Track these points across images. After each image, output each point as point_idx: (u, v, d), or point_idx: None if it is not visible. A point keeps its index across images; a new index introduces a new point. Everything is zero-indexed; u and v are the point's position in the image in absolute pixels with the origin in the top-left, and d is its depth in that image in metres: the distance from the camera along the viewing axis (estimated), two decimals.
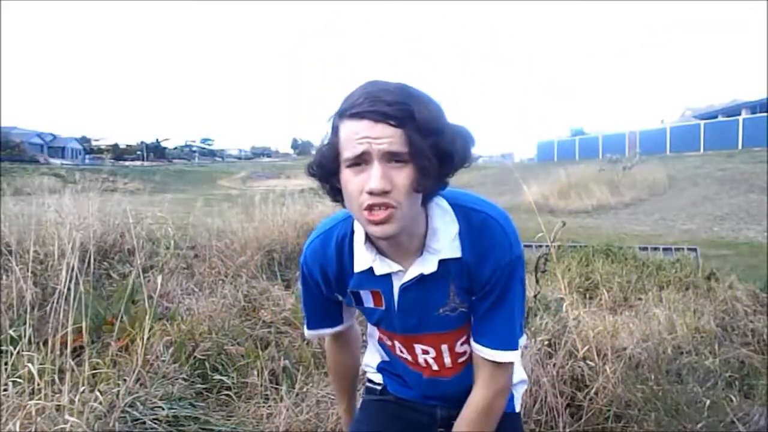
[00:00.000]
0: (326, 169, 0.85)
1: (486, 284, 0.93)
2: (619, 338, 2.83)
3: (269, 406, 2.30)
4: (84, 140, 60.01)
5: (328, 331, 1.13)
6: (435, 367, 1.05)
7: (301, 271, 1.05)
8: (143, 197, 8.10)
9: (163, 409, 2.08)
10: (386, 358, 1.15)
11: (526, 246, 5.78)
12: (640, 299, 3.93)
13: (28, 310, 2.15)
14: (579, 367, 2.36)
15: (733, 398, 2.40)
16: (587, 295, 4.01)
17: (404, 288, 0.94)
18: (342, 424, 1.30)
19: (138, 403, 2.05)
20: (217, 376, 2.49)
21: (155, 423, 2.01)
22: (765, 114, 21.78)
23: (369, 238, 0.92)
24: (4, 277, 2.98)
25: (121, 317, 2.66)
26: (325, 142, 0.85)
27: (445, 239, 0.91)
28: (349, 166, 0.81)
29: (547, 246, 2.68)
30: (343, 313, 1.11)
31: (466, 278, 0.94)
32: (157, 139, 61.74)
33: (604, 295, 3.79)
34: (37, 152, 40.08)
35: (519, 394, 1.15)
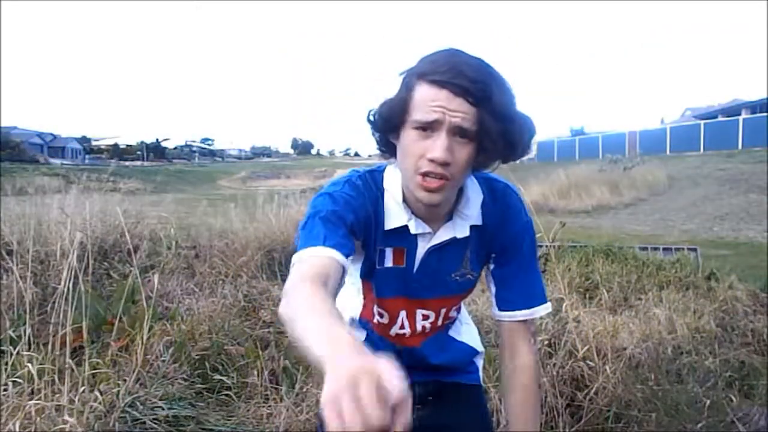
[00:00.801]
0: (390, 123, 0.86)
1: (508, 249, 0.99)
2: (619, 338, 2.82)
3: (269, 406, 2.30)
4: (84, 140, 60.02)
5: (339, 257, 0.82)
6: (428, 331, 1.08)
7: (329, 196, 0.89)
8: (143, 197, 8.11)
9: (163, 409, 2.08)
10: (364, 338, 1.12)
11: None
12: (640, 299, 3.93)
13: (28, 310, 2.15)
14: (579, 367, 2.36)
15: (733, 398, 2.40)
16: (587, 295, 4.01)
17: (430, 250, 0.97)
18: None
19: (138, 403, 2.05)
20: (217, 376, 2.49)
21: (155, 423, 2.01)
22: (765, 114, 21.77)
23: (405, 199, 0.94)
24: (4, 277, 2.99)
25: (121, 317, 2.66)
26: (392, 96, 0.86)
27: (475, 207, 0.96)
28: (416, 128, 0.82)
29: (546, 246, 2.68)
30: (351, 245, 0.87)
31: (484, 245, 0.99)
32: (157, 139, 61.69)
33: (603, 295, 3.78)
34: (37, 152, 40.04)
35: (480, 364, 1.19)
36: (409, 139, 0.84)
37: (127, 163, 42.75)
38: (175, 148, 67.50)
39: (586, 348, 2.41)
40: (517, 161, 0.92)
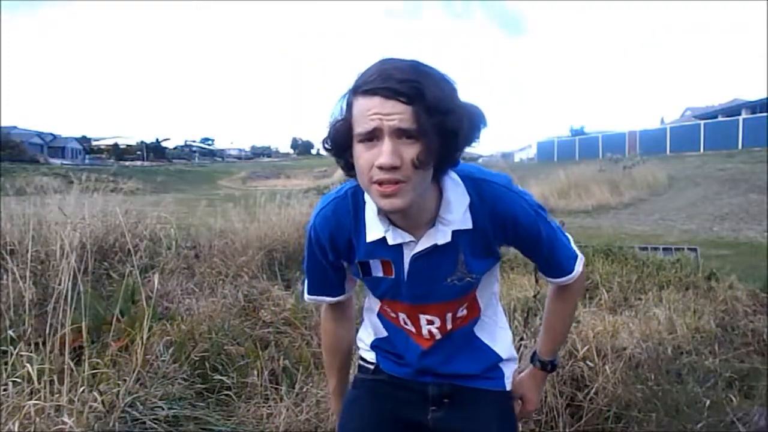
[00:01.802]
0: (339, 144, 0.87)
1: (526, 239, 1.01)
2: (619, 338, 2.82)
3: (269, 406, 2.30)
4: (84, 140, 60.00)
5: (327, 300, 1.14)
6: (438, 336, 1.08)
7: (308, 236, 1.05)
8: (143, 197, 8.11)
9: (163, 409, 2.08)
10: (382, 335, 1.16)
11: None
12: (640, 299, 3.93)
13: (28, 311, 2.15)
14: (579, 367, 2.36)
15: (733, 398, 2.40)
16: (587, 295, 4.00)
17: (415, 258, 0.97)
18: (331, 403, 1.31)
19: (138, 403, 2.05)
20: (217, 376, 2.49)
21: (155, 423, 2.01)
22: (765, 114, 21.76)
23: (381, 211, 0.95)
24: (3, 277, 2.98)
25: (121, 317, 2.66)
26: (339, 117, 0.87)
27: (458, 211, 0.95)
28: (360, 141, 0.83)
29: None
30: (345, 284, 1.13)
31: (482, 246, 0.99)
32: (157, 139, 61.68)
33: (603, 295, 3.78)
34: (37, 152, 40.01)
35: (509, 371, 1.17)
36: (357, 153, 0.84)
37: (127, 163, 42.75)
38: (175, 148, 67.41)
39: (586, 348, 2.41)
40: (460, 151, 0.88)
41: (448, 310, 1.05)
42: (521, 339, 2.42)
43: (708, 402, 2.27)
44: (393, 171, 0.81)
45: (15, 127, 44.81)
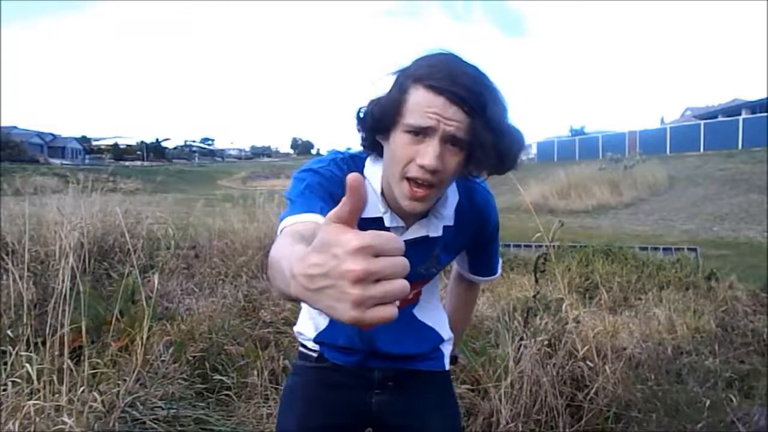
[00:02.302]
0: (381, 123, 0.84)
1: (483, 243, 1.10)
2: (619, 338, 2.83)
3: (269, 406, 2.30)
4: (84, 140, 59.99)
5: (315, 217, 0.83)
6: None
7: (313, 172, 0.91)
8: (143, 197, 8.10)
9: (163, 409, 2.08)
10: (321, 328, 1.11)
11: (525, 246, 5.80)
12: (640, 299, 3.93)
13: (27, 311, 2.15)
14: (579, 367, 2.36)
15: (733, 398, 2.40)
16: (587, 295, 4.01)
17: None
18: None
19: (138, 403, 2.05)
20: (217, 376, 2.49)
21: (155, 423, 2.01)
22: (765, 114, 21.76)
23: (383, 192, 0.93)
24: (3, 277, 2.98)
25: (121, 317, 2.66)
26: (383, 96, 0.84)
27: (451, 207, 0.97)
28: (407, 132, 0.81)
29: (546, 246, 2.68)
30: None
31: (455, 244, 1.03)
32: (157, 139, 61.71)
33: (603, 295, 3.79)
34: (37, 152, 40.03)
35: (448, 351, 1.19)
36: (399, 142, 0.82)
37: (127, 163, 42.76)
38: (175, 148, 67.43)
39: (586, 348, 2.41)
40: (500, 174, 0.88)
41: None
42: (521, 339, 2.42)
43: (708, 402, 2.27)
44: (432, 174, 0.81)
45: (15, 127, 44.81)
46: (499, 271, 1.22)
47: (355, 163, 0.96)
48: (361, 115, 0.88)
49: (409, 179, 0.83)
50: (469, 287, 1.26)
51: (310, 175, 0.91)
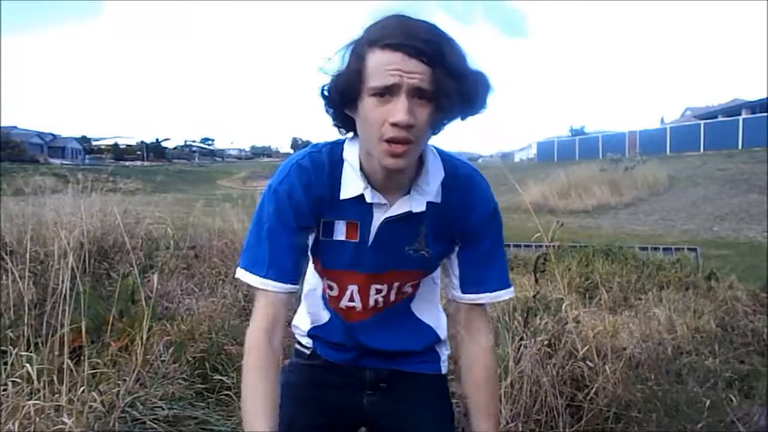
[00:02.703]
0: (346, 94, 0.84)
1: (473, 233, 0.99)
2: (619, 338, 2.83)
3: None
4: (84, 140, 59.98)
5: (281, 287, 0.92)
6: (380, 305, 1.05)
7: (275, 195, 0.93)
8: (143, 197, 8.10)
9: (163, 409, 2.08)
10: (320, 322, 1.12)
11: (525, 246, 5.80)
12: (640, 299, 3.93)
13: (26, 311, 2.15)
14: (579, 367, 2.35)
15: (733, 398, 2.40)
16: (587, 295, 4.01)
17: (386, 221, 0.95)
18: None
19: (138, 403, 2.05)
20: (217, 376, 2.49)
21: (155, 423, 2.01)
22: (765, 114, 21.76)
23: (361, 167, 0.93)
24: (3, 277, 2.98)
25: (121, 317, 2.66)
26: (342, 69, 0.84)
27: (434, 183, 0.94)
28: (373, 95, 0.81)
29: (546, 246, 2.68)
30: (299, 268, 0.97)
31: (443, 226, 0.98)
32: (157, 139, 61.63)
33: (603, 295, 3.79)
34: (37, 152, 40.02)
35: (444, 356, 1.16)
36: (368, 107, 0.82)
37: (127, 163, 42.76)
38: (175, 148, 67.33)
39: (586, 348, 2.40)
40: (471, 117, 0.88)
41: (397, 280, 1.03)
42: (521, 339, 2.42)
43: (708, 402, 2.27)
44: (407, 130, 0.81)
45: (15, 127, 44.79)
46: (507, 290, 1.03)
47: (332, 150, 0.96)
48: (326, 92, 0.88)
49: (386, 140, 0.82)
50: (475, 325, 1.04)
51: (269, 208, 0.93)
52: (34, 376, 1.83)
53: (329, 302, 1.08)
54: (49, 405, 1.76)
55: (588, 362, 2.36)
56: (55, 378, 1.88)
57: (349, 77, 0.83)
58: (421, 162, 0.93)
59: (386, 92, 0.80)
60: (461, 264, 1.02)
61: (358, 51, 0.83)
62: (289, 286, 0.94)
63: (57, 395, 1.83)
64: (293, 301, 1.01)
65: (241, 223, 5.13)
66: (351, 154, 0.94)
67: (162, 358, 2.44)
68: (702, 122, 25.10)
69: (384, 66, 0.80)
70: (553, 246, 2.76)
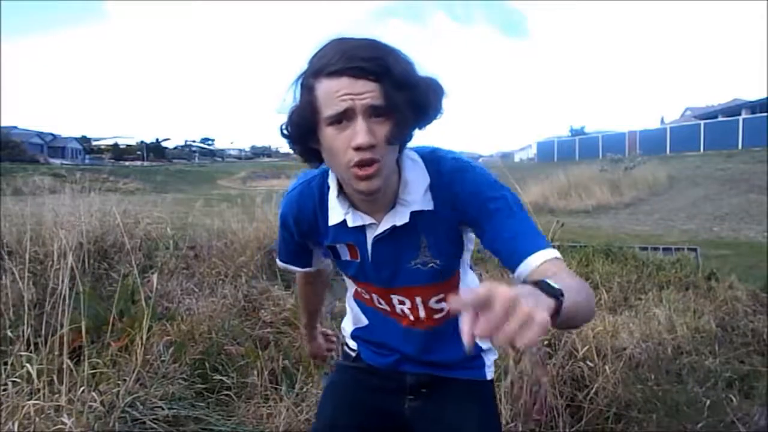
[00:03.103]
0: (304, 128, 0.85)
1: (482, 217, 0.90)
2: (619, 338, 2.82)
3: (269, 406, 2.30)
4: (84, 140, 59.95)
5: (295, 269, 1.18)
6: (411, 318, 1.06)
7: (279, 215, 1.08)
8: (143, 197, 8.10)
9: (163, 409, 2.08)
10: (361, 324, 1.16)
11: None
12: (640, 299, 3.93)
13: (26, 311, 2.15)
14: (579, 367, 2.36)
15: (733, 398, 2.40)
16: None
17: (377, 240, 0.96)
18: (302, 337, 1.50)
19: (138, 403, 2.05)
20: (217, 376, 2.49)
21: (155, 423, 2.01)
22: (765, 114, 21.77)
23: (342, 192, 0.94)
24: (2, 277, 2.98)
25: (121, 317, 2.66)
26: (296, 103, 0.85)
27: (417, 191, 0.93)
28: (330, 124, 0.82)
29: None
30: (312, 259, 1.15)
31: (445, 230, 0.96)
32: (157, 139, 61.59)
33: (603, 295, 3.78)
34: (37, 152, 39.98)
35: (490, 361, 1.15)
36: (328, 137, 0.83)
37: (127, 163, 42.74)
38: (175, 148, 67.28)
39: (586, 348, 2.41)
40: (429, 124, 0.87)
41: (416, 295, 1.03)
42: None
43: (708, 402, 2.27)
44: (371, 150, 0.80)
45: (15, 127, 44.75)
46: (546, 248, 0.86)
47: (321, 178, 0.99)
48: (285, 131, 0.88)
49: (354, 166, 0.82)
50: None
51: (279, 224, 1.09)
52: (34, 376, 1.83)
53: (365, 302, 1.13)
54: (49, 405, 1.76)
55: (588, 362, 2.36)
56: (55, 378, 1.88)
57: (303, 112, 0.83)
58: (400, 174, 0.93)
59: (342, 118, 0.80)
60: (495, 248, 0.91)
61: (306, 83, 0.83)
62: (301, 270, 1.18)
63: (57, 395, 1.83)
64: (317, 271, 1.21)
65: (240, 223, 5.13)
66: (333, 180, 0.95)
67: (162, 358, 2.44)
68: (702, 122, 25.11)
69: (333, 93, 0.80)
70: (553, 246, 2.75)
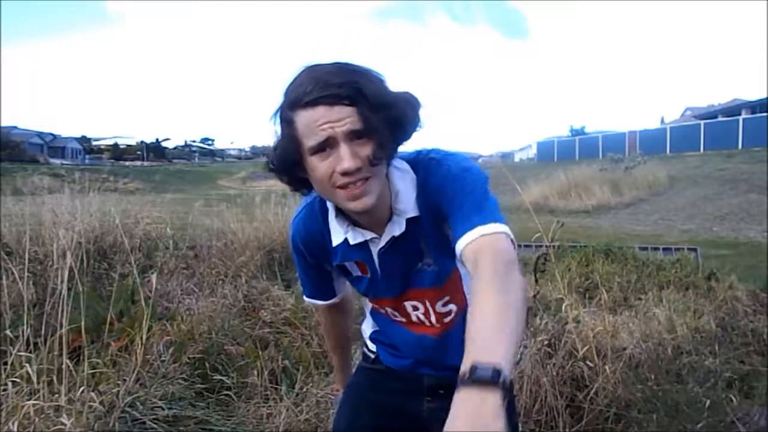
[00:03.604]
0: (289, 161, 0.86)
1: (446, 202, 0.89)
2: (619, 338, 2.83)
3: (269, 406, 2.30)
4: (84, 140, 59.93)
5: (320, 303, 1.19)
6: (427, 323, 1.09)
7: (290, 241, 1.09)
8: (143, 197, 8.10)
9: (163, 409, 2.08)
10: (378, 328, 1.19)
11: (525, 246, 5.79)
12: (640, 299, 3.93)
13: (26, 311, 2.15)
14: (579, 367, 2.35)
15: (733, 398, 2.40)
16: (587, 295, 4.00)
17: (382, 252, 0.98)
18: (334, 378, 1.44)
19: (138, 403, 2.05)
20: (217, 376, 2.49)
21: (155, 423, 2.01)
22: (765, 114, 21.76)
23: (340, 212, 0.96)
24: (2, 277, 2.98)
25: (121, 317, 2.66)
26: (278, 137, 0.86)
27: (408, 200, 0.94)
28: (314, 153, 0.83)
29: (546, 246, 2.68)
30: (335, 284, 1.16)
31: (433, 230, 0.96)
32: (157, 139, 61.56)
33: (603, 295, 3.78)
34: (37, 152, 39.98)
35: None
36: (314, 166, 0.84)
37: (127, 163, 42.74)
38: (175, 148, 67.24)
39: (586, 348, 2.40)
40: (410, 138, 0.89)
41: (425, 298, 1.05)
42: (521, 339, 2.42)
43: (708, 402, 2.27)
44: (357, 173, 0.82)
45: (15, 127, 44.75)
46: (500, 223, 0.83)
47: (321, 200, 1.00)
48: (272, 165, 0.90)
49: (340, 187, 0.84)
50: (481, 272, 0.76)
51: (293, 251, 1.11)
52: (34, 377, 1.83)
53: (382, 314, 1.14)
54: (49, 405, 1.76)
55: (588, 362, 2.36)
56: (54, 378, 1.88)
57: (286, 145, 0.85)
58: (390, 185, 0.94)
59: (324, 146, 0.82)
60: (452, 219, 0.88)
61: (285, 116, 0.84)
62: (325, 302, 1.18)
63: (56, 395, 1.83)
64: (342, 299, 1.21)
65: (239, 223, 5.13)
66: (330, 202, 0.97)
67: (162, 358, 2.44)
68: (702, 122, 25.09)
69: (312, 124, 0.81)
70: (553, 246, 2.76)
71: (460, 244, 0.83)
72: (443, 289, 1.04)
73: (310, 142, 0.82)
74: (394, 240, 0.96)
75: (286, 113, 0.84)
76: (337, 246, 1.00)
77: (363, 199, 0.84)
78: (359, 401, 1.18)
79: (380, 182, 0.88)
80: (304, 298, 1.20)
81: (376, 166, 0.85)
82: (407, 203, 0.94)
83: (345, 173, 0.81)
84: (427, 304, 1.06)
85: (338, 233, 0.98)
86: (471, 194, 0.87)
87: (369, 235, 0.96)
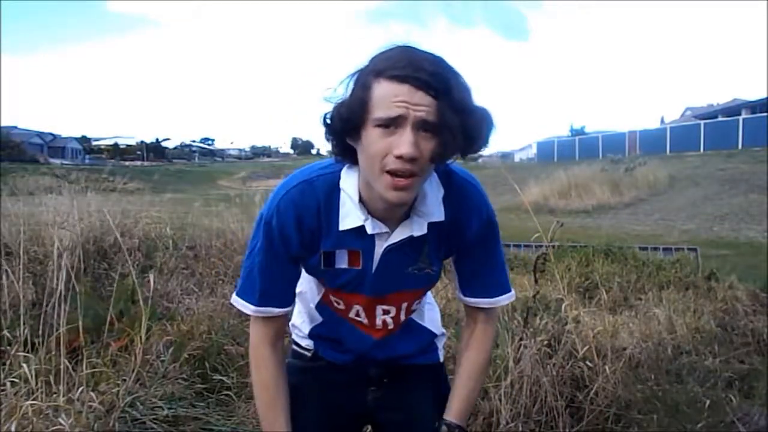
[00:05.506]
0: (350, 123, 0.83)
1: (470, 244, 1.00)
2: (619, 338, 2.83)
3: None
4: (84, 140, 59.94)
5: (276, 311, 1.01)
6: (390, 326, 1.07)
7: (266, 226, 0.95)
8: (143, 197, 8.09)
9: (163, 409, 2.08)
10: (317, 321, 1.13)
11: (525, 246, 5.80)
12: (640, 299, 3.93)
13: (24, 312, 2.14)
14: (579, 367, 2.35)
15: (733, 398, 2.40)
16: (587, 295, 4.01)
17: (388, 249, 0.95)
18: None
19: (138, 403, 2.05)
20: (217, 376, 2.48)
21: (155, 423, 2.01)
22: (765, 114, 21.75)
23: (361, 199, 0.92)
24: (1, 277, 2.98)
25: (121, 317, 2.66)
26: (347, 97, 0.83)
27: (433, 203, 0.94)
28: (378, 126, 0.80)
29: (545, 246, 2.68)
30: (293, 290, 1.04)
31: (443, 240, 0.98)
32: (157, 139, 61.62)
33: (603, 295, 3.78)
34: (37, 152, 39.97)
35: (441, 344, 1.21)
36: (372, 138, 0.81)
37: (127, 163, 42.69)
38: (175, 148, 67.21)
39: (586, 348, 2.40)
40: (476, 155, 0.89)
41: (404, 300, 1.05)
42: (521, 339, 2.41)
43: (708, 402, 2.27)
44: (411, 162, 0.80)
45: (15, 127, 44.72)
46: (500, 298, 1.06)
47: (326, 178, 0.95)
48: (328, 120, 0.86)
49: (389, 172, 0.81)
50: (477, 324, 1.09)
51: (262, 240, 0.96)
52: (33, 377, 1.83)
53: (338, 312, 1.08)
54: (47, 405, 1.76)
55: (588, 362, 2.36)
56: (53, 378, 1.87)
57: (353, 106, 0.82)
58: None
59: (391, 123, 0.79)
60: (460, 272, 1.06)
61: (364, 81, 0.82)
62: (282, 310, 1.02)
63: (55, 395, 1.82)
64: (287, 316, 1.08)
65: (238, 223, 5.14)
66: (349, 184, 0.93)
67: (162, 358, 2.44)
68: (702, 122, 25.10)
69: (390, 97, 0.79)
70: (553, 246, 2.76)
71: (477, 301, 1.06)
72: (429, 288, 1.07)
73: (380, 113, 0.79)
74: (408, 240, 0.94)
75: (367, 78, 0.81)
76: (341, 231, 0.94)
77: (403, 193, 0.83)
78: (300, 403, 1.08)
79: (421, 184, 0.87)
80: (252, 309, 0.99)
81: (429, 166, 0.83)
82: (432, 206, 0.93)
83: (400, 157, 0.79)
84: (403, 306, 1.05)
85: (353, 218, 0.92)
86: (495, 255, 1.05)
87: (384, 228, 0.93)
